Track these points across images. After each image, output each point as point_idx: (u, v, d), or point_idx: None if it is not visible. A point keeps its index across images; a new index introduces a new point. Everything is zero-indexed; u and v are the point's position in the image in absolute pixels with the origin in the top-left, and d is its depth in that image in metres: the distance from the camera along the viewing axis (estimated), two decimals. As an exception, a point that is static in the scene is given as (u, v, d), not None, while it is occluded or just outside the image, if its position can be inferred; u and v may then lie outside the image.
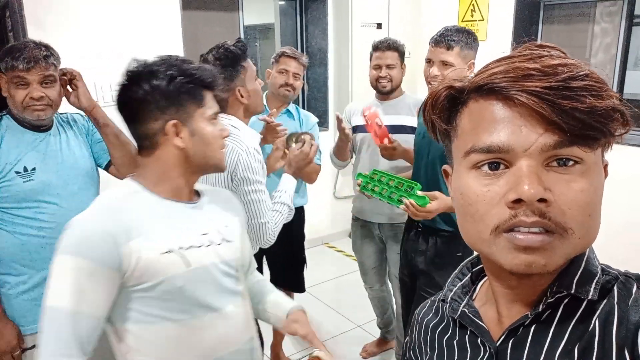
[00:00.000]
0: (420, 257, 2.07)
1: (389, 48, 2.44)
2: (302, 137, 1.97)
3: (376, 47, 2.48)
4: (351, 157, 2.65)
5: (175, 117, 1.09)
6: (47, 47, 1.71)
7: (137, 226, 1.06)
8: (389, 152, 2.27)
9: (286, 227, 1.77)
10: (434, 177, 1.97)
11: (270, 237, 1.64)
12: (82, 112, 1.85)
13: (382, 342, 2.94)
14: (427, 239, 2.05)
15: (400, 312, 2.44)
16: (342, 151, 2.49)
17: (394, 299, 2.76)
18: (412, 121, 2.40)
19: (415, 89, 3.82)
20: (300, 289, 2.71)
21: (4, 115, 1.73)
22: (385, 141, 2.24)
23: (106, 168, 1.94)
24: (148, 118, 1.09)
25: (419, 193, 1.78)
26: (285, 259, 2.19)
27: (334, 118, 2.69)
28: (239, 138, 1.60)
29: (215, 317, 1.13)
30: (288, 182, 1.77)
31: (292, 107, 2.55)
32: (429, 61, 1.98)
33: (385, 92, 2.48)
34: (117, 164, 1.88)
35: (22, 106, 1.66)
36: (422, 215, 1.78)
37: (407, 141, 2.25)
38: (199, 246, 1.12)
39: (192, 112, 1.11)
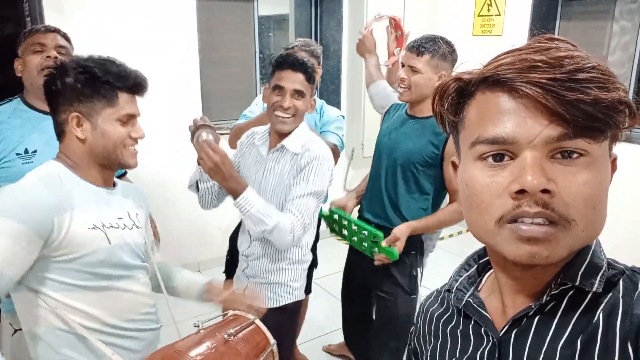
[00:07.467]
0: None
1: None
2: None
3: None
4: None
5: (79, 111, 1.22)
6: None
7: (69, 201, 1.17)
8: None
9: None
10: (394, 180, 1.97)
11: None
12: None
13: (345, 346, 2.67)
14: None
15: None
16: None
17: None
18: None
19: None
20: None
21: (16, 98, 1.76)
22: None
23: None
24: (59, 108, 1.24)
25: (384, 244, 1.86)
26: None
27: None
28: None
29: (128, 283, 1.29)
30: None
31: (319, 101, 2.48)
32: (403, 65, 1.96)
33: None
34: None
35: (37, 70, 1.68)
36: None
37: None
38: (117, 227, 1.26)
39: (99, 110, 1.23)
